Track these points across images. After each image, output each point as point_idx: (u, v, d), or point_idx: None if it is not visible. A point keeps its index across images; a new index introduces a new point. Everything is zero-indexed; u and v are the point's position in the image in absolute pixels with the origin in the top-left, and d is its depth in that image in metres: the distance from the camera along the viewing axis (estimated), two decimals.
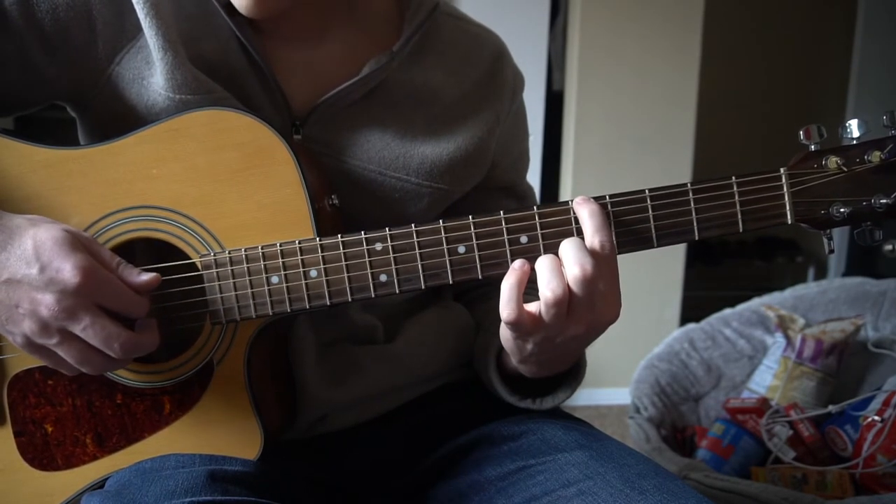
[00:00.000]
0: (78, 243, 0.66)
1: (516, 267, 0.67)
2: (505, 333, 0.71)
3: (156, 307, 0.72)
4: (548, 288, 0.65)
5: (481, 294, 0.96)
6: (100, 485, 0.75)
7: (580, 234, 0.68)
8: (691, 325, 1.97)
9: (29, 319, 0.65)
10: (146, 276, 0.69)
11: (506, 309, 0.66)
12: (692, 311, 2.54)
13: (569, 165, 2.70)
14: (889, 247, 0.70)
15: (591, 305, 0.66)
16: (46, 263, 0.64)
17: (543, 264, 0.66)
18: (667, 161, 2.67)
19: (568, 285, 0.65)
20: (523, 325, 0.66)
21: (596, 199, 0.68)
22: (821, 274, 3.70)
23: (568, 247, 0.66)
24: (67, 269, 0.64)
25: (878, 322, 1.86)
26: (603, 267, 0.66)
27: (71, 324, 0.65)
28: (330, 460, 0.82)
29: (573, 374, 0.80)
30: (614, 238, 0.68)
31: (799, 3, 3.82)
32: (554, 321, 0.66)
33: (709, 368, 1.88)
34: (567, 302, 0.65)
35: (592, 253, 0.65)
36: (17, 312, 0.65)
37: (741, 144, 3.69)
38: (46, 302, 0.64)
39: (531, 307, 0.66)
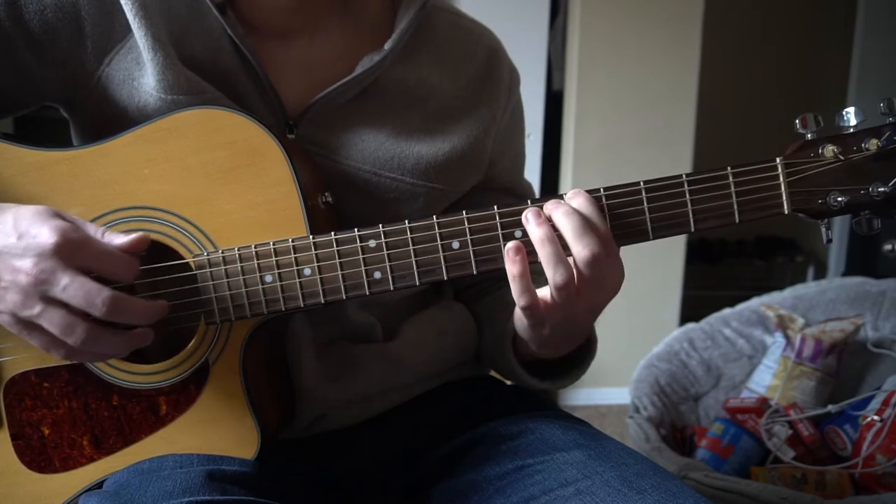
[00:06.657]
0: (60, 214, 0.66)
1: (516, 258, 0.67)
2: (521, 323, 0.72)
3: None
4: (556, 274, 0.65)
5: (486, 287, 0.96)
6: (97, 486, 0.75)
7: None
8: (691, 325, 1.97)
9: (11, 291, 0.63)
10: (131, 237, 0.68)
11: (521, 299, 0.67)
12: (692, 310, 2.53)
13: (568, 165, 2.69)
14: (889, 247, 0.70)
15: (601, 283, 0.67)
16: (24, 231, 0.63)
17: (547, 250, 0.66)
18: (667, 162, 2.66)
19: (576, 267, 0.66)
20: (537, 309, 0.67)
21: (590, 191, 0.68)
22: (820, 273, 3.69)
23: (570, 225, 0.66)
24: (44, 232, 0.63)
25: (877, 322, 1.85)
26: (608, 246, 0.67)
27: (50, 287, 0.63)
28: (329, 459, 0.82)
29: (585, 350, 0.82)
30: (608, 225, 0.68)
31: (799, 0, 3.82)
32: (565, 301, 0.67)
33: (708, 368, 1.88)
34: (575, 284, 0.66)
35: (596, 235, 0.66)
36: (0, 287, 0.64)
37: (741, 145, 3.68)
38: (24, 267, 0.62)
39: (542, 292, 0.67)
